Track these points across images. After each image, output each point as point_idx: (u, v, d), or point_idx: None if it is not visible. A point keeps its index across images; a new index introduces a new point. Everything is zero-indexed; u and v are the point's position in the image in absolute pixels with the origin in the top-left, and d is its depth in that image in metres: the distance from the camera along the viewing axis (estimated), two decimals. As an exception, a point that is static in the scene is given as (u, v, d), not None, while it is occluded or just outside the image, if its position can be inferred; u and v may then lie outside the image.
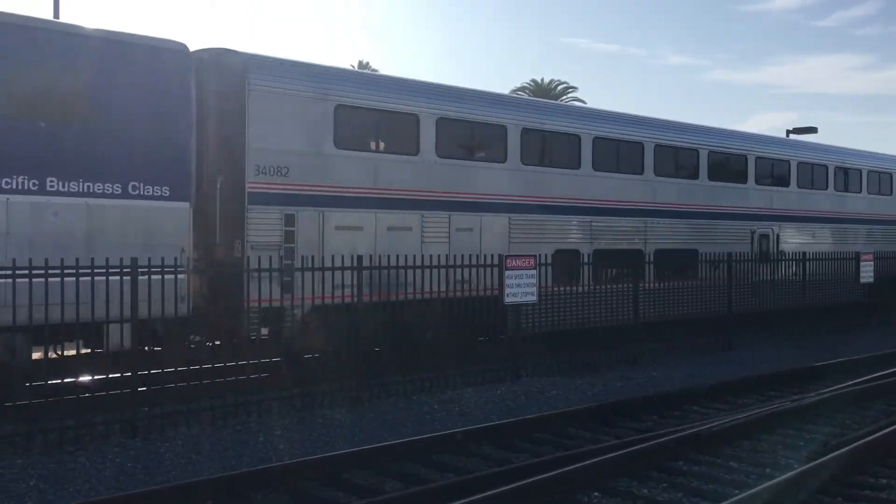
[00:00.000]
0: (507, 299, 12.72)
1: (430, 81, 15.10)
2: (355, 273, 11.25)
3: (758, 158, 20.08)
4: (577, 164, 16.27)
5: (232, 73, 12.18)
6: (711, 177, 18.85)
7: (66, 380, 9.63)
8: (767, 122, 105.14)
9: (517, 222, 15.16)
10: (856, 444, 8.38)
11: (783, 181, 20.94)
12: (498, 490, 6.81)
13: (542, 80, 48.34)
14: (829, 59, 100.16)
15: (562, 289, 13.94)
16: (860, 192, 23.38)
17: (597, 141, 16.48)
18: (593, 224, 16.50)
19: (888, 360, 14.38)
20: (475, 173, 14.78)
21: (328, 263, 11.18)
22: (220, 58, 12.46)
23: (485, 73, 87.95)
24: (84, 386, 10.15)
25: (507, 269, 12.63)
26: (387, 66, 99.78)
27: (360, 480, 7.80)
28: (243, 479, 7.47)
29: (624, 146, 17.25)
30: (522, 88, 47.71)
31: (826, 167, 22.16)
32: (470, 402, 11.38)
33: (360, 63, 45.65)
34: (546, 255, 13.81)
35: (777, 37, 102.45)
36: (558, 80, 48.49)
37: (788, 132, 27.36)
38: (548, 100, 33.74)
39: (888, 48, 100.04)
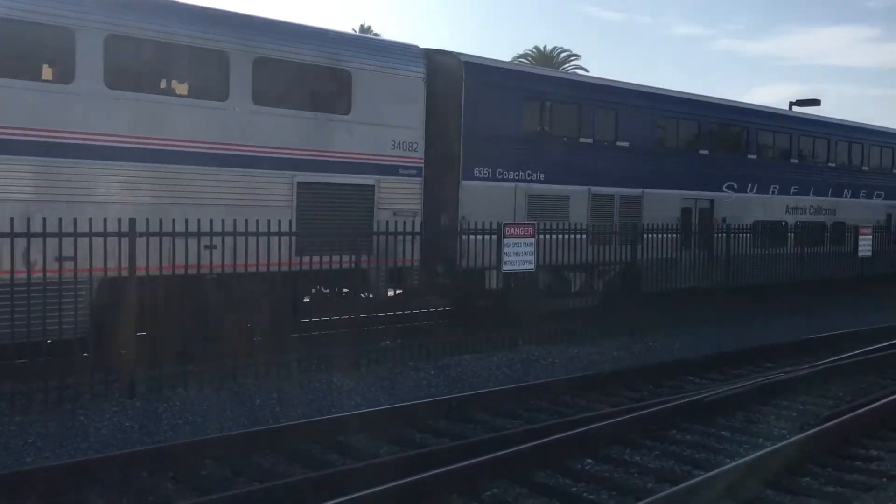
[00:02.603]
0: (505, 268, 12.74)
1: None
2: None
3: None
4: None
5: None
6: None
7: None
8: (774, 94, 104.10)
9: None
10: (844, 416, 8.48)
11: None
12: (490, 456, 6.90)
13: (545, 47, 48.08)
14: (837, 30, 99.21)
15: None
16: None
17: None
18: None
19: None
20: None
21: None
22: None
23: (494, 37, 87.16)
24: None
25: (505, 237, 12.63)
26: (390, 30, 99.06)
27: (356, 444, 7.89)
28: (242, 440, 7.56)
29: None
30: (525, 55, 47.44)
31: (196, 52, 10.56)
32: (467, 369, 11.46)
33: (362, 27, 45.26)
34: None
35: (785, 7, 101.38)
36: (560, 48, 48.28)
37: (791, 104, 27.05)
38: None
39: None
